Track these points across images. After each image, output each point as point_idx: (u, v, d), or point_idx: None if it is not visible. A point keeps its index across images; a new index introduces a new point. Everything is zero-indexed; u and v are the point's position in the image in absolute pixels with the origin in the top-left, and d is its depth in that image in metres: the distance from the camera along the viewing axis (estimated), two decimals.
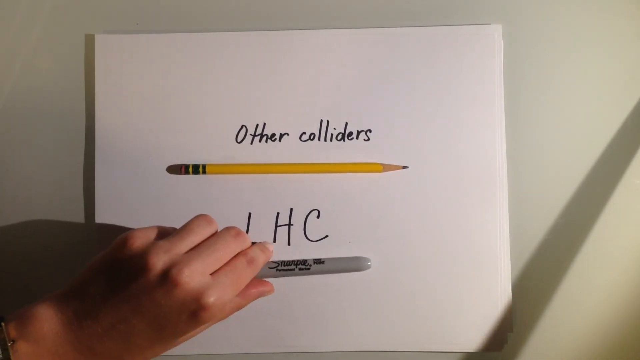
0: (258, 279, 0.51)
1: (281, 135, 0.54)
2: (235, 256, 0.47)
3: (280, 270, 0.53)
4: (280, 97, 0.54)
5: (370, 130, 0.54)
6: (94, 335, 0.42)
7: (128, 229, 0.46)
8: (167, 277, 0.42)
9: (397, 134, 0.54)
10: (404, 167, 0.54)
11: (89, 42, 0.55)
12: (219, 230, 0.48)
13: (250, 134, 0.54)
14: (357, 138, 0.54)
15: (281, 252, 0.54)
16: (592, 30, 0.55)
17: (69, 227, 0.55)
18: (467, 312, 0.53)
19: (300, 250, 0.54)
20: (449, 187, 0.54)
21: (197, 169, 0.53)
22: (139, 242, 0.45)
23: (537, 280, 0.54)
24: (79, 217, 0.55)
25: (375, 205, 0.54)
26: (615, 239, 0.54)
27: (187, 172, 0.54)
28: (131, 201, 0.54)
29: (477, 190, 0.54)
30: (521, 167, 0.55)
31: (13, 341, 0.41)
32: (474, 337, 0.53)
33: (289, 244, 0.54)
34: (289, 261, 0.53)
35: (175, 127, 0.54)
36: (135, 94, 0.54)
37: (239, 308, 0.49)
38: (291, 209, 0.54)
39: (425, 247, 0.54)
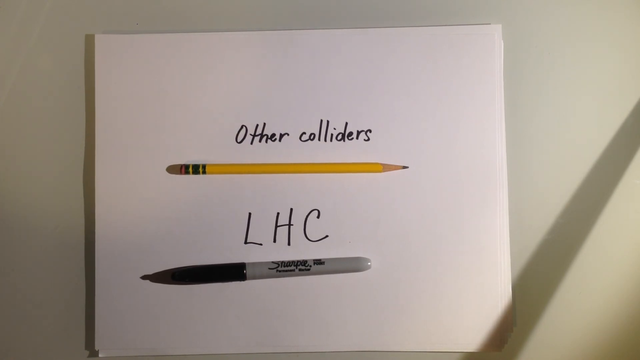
0: None
1: (281, 135, 0.54)
2: None
3: (280, 271, 0.53)
4: (280, 97, 0.54)
5: (370, 130, 0.54)
6: None
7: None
8: None
9: (397, 134, 0.54)
10: (404, 167, 0.54)
11: (89, 42, 0.55)
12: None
13: (250, 134, 0.54)
14: (357, 138, 0.54)
15: (281, 252, 0.54)
16: (591, 30, 0.55)
17: (69, 227, 0.55)
18: (467, 312, 0.53)
19: (300, 250, 0.54)
20: (449, 187, 0.54)
21: (197, 169, 0.53)
22: None
23: (537, 280, 0.54)
24: (79, 217, 0.55)
25: (375, 205, 0.54)
26: (615, 239, 0.54)
27: (187, 172, 0.54)
28: (131, 201, 0.54)
29: (477, 190, 0.54)
30: (521, 167, 0.55)
31: None
32: (474, 337, 0.53)
33: (289, 244, 0.54)
34: (289, 262, 0.53)
35: (175, 127, 0.54)
36: (135, 94, 0.54)
37: None
38: (291, 209, 0.54)
39: (425, 247, 0.54)
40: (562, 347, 0.54)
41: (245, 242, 0.54)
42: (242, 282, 0.53)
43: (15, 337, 0.55)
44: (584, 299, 0.54)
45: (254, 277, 0.53)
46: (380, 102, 0.54)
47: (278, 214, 0.54)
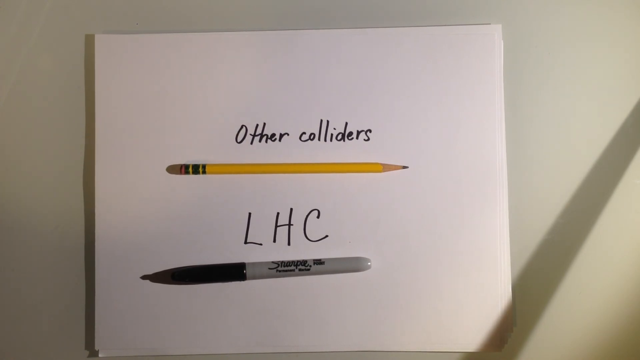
0: None
1: (281, 135, 0.54)
2: None
3: (280, 271, 0.53)
4: (280, 97, 0.54)
5: (370, 130, 0.54)
6: None
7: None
8: None
9: (397, 134, 0.54)
10: (404, 167, 0.54)
11: (89, 42, 0.55)
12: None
13: (250, 134, 0.54)
14: (357, 138, 0.54)
15: (281, 252, 0.54)
16: (591, 30, 0.55)
17: (69, 227, 0.55)
18: (467, 312, 0.53)
19: (300, 250, 0.54)
20: (449, 187, 0.54)
21: (197, 169, 0.53)
22: None
23: (537, 280, 0.54)
24: (79, 217, 0.55)
25: (375, 205, 0.54)
26: (615, 239, 0.54)
27: (187, 172, 0.54)
28: (131, 201, 0.54)
29: (477, 190, 0.54)
30: (521, 167, 0.55)
31: None
32: (474, 337, 0.53)
33: (289, 244, 0.54)
34: (289, 262, 0.53)
35: (175, 127, 0.54)
36: (135, 94, 0.54)
37: None
38: (291, 209, 0.54)
39: (425, 247, 0.54)
40: (562, 347, 0.54)
41: (245, 242, 0.54)
42: (242, 282, 0.53)
43: (15, 337, 0.55)
44: (584, 299, 0.54)
45: (254, 277, 0.53)
46: (380, 102, 0.54)
47: (278, 214, 0.54)
